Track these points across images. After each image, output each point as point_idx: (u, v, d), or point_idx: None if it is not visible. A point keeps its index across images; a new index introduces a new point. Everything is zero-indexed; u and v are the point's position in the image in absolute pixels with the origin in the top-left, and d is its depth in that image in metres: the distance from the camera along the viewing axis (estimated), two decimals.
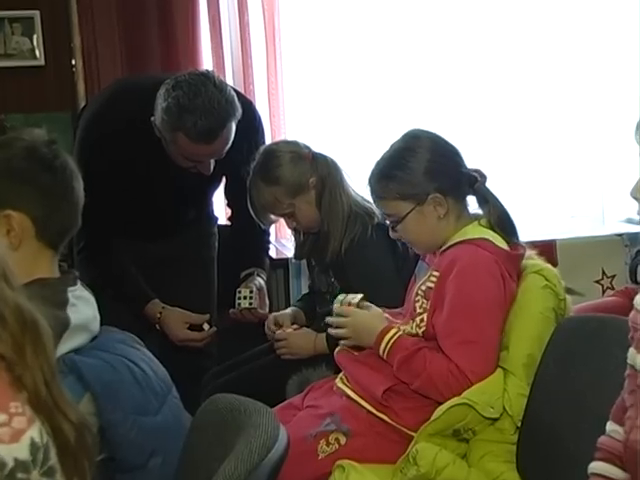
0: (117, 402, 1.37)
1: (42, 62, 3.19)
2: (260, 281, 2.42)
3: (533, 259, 1.87)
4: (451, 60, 3.37)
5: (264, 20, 3.17)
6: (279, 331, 2.29)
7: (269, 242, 2.61)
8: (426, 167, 1.82)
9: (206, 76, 2.14)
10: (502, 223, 1.83)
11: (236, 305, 2.35)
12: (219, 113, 2.08)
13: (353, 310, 1.88)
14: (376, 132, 3.26)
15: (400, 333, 1.82)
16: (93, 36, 3.15)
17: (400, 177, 1.83)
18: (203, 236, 2.60)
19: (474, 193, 1.87)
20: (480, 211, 1.87)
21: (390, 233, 1.92)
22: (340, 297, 1.92)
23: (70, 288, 1.45)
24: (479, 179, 1.86)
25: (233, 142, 2.18)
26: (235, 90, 2.25)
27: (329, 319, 1.94)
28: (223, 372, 2.41)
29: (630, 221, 3.32)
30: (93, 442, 1.05)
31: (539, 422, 1.69)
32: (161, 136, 2.18)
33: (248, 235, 2.43)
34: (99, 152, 2.24)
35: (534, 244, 1.95)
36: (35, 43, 3.17)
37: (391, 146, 1.89)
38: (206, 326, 2.35)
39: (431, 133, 1.90)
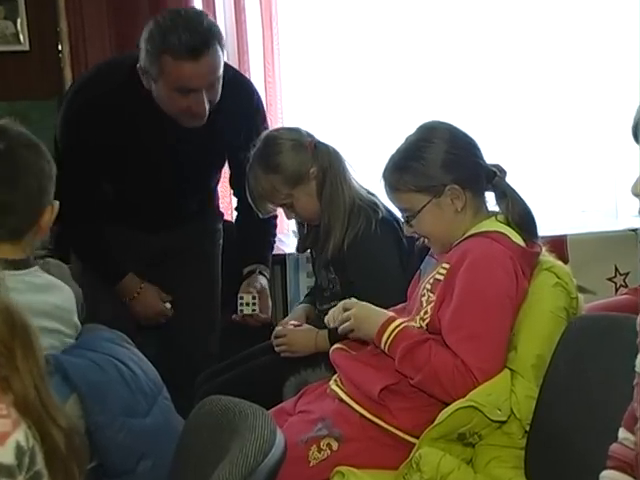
0: (104, 403, 1.34)
1: (27, 47, 3.12)
2: (262, 281, 2.41)
3: (544, 256, 1.83)
4: (457, 50, 3.32)
5: (260, 4, 3.13)
6: (278, 327, 2.24)
7: (275, 235, 2.57)
8: (443, 159, 1.78)
9: (183, 9, 2.25)
10: (523, 220, 1.79)
11: (238, 311, 2.37)
12: (201, 32, 2.09)
13: (357, 302, 1.86)
14: (377, 121, 3.23)
15: (406, 324, 1.78)
16: (81, 20, 3.08)
17: (415, 168, 1.79)
18: (207, 230, 2.57)
19: (493, 189, 1.83)
20: (498, 209, 1.83)
21: (404, 228, 1.89)
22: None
23: (15, 272, 1.39)
24: (498, 174, 1.83)
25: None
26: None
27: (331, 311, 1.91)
28: (219, 372, 2.36)
29: None
30: (83, 448, 1.03)
31: (548, 426, 1.65)
32: (148, 82, 2.12)
33: (254, 226, 2.40)
34: (84, 121, 2.19)
35: (544, 240, 1.89)
36: (19, 27, 3.09)
37: (406, 138, 1.85)
38: (168, 305, 2.44)
39: (449, 124, 1.86)
